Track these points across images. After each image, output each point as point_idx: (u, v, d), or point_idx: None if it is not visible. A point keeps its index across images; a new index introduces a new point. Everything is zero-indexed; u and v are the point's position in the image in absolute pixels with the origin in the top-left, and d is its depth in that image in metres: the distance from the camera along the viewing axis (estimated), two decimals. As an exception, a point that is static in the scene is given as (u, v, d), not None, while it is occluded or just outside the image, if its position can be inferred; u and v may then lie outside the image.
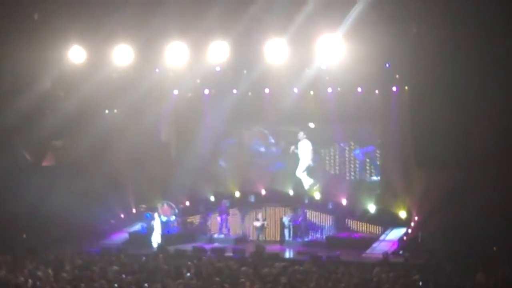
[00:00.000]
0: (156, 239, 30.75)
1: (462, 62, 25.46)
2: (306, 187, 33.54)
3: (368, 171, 33.18)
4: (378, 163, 32.95)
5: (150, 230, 31.15)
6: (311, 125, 33.62)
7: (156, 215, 31.41)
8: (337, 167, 33.68)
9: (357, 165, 33.28)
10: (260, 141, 34.77)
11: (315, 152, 33.67)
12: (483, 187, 26.53)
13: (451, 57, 25.61)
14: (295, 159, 33.82)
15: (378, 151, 32.91)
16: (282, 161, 34.38)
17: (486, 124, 26.43)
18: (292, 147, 33.83)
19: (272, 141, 34.59)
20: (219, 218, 32.61)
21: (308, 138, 33.60)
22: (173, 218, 32.49)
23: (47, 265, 22.11)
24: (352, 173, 33.48)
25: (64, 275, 20.59)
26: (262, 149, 34.78)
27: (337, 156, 33.68)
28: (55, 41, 27.57)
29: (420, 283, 19.07)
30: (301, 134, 33.64)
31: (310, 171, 33.71)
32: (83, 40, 27.63)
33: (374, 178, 33.03)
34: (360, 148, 33.06)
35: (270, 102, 33.05)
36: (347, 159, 33.47)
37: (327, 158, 33.82)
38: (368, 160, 33.18)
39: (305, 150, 33.69)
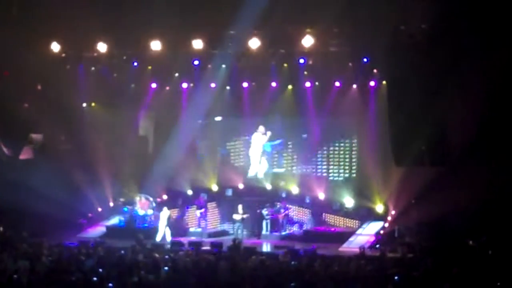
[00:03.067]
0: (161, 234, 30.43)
1: (440, 58, 25.62)
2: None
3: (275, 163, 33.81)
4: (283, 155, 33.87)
5: (130, 223, 31.04)
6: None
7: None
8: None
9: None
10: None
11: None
12: (459, 182, 26.67)
13: (429, 52, 25.76)
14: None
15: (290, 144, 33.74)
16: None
17: (463, 120, 26.53)
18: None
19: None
20: (198, 212, 32.50)
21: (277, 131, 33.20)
22: (150, 212, 32.46)
23: (24, 258, 22.06)
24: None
25: (40, 268, 20.59)
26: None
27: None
28: (34, 35, 27.49)
29: (396, 277, 19.14)
30: (261, 128, 32.93)
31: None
32: (62, 35, 27.59)
33: (278, 170, 33.69)
34: (270, 141, 32.90)
35: (248, 97, 33.00)
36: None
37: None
38: (275, 153, 33.71)
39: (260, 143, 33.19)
